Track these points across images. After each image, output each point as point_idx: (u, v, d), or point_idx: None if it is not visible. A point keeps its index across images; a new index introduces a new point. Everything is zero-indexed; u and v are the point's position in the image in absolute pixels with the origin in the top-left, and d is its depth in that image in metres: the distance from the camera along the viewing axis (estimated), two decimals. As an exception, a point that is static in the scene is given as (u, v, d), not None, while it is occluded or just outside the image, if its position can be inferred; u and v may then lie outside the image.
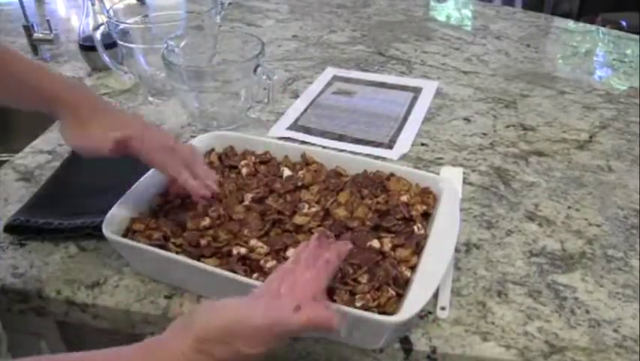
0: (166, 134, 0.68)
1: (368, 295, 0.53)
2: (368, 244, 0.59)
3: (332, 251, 0.51)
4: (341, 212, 0.63)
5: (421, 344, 0.56)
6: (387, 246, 0.59)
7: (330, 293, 0.54)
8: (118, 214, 0.62)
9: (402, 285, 0.55)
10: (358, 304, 0.53)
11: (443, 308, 0.59)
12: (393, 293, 0.54)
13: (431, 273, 0.54)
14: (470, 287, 0.62)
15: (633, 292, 0.62)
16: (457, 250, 0.67)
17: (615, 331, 0.57)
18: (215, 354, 0.44)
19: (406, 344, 0.56)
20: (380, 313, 0.52)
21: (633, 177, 0.80)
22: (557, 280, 0.63)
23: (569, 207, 0.74)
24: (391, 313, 0.51)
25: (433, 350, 0.55)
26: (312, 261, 0.50)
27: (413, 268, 0.56)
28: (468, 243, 0.68)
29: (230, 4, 1.48)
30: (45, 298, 0.62)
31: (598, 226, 0.71)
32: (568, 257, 0.66)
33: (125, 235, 0.62)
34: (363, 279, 0.55)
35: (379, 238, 0.60)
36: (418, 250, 0.58)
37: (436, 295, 0.60)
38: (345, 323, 0.51)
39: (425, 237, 0.59)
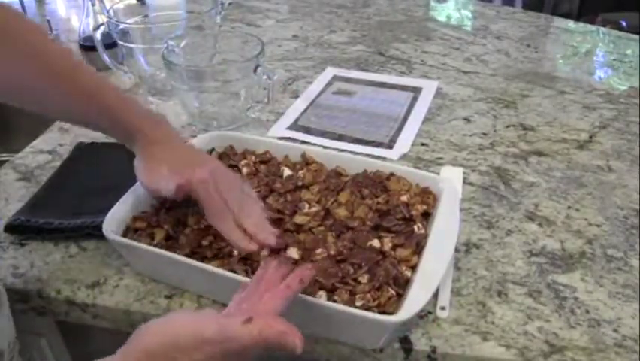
0: (235, 178, 0.64)
1: (368, 295, 0.53)
2: (368, 243, 0.59)
3: (294, 276, 0.50)
4: (341, 212, 0.63)
5: (421, 343, 0.56)
6: (388, 246, 0.59)
7: (331, 292, 0.54)
8: (118, 213, 0.62)
9: (402, 285, 0.55)
10: (358, 303, 0.53)
11: (443, 308, 0.59)
12: (394, 293, 0.54)
13: (431, 273, 0.54)
14: (470, 287, 0.62)
15: (633, 291, 0.62)
16: (457, 250, 0.67)
17: (615, 331, 0.57)
18: None
19: (406, 343, 0.56)
20: (380, 312, 0.52)
21: (633, 177, 0.80)
22: (557, 280, 0.63)
23: (569, 207, 0.74)
24: (391, 313, 0.51)
25: (433, 350, 0.55)
26: (272, 284, 0.49)
27: (413, 268, 0.56)
28: (468, 243, 0.68)
29: (230, 4, 1.48)
30: (45, 298, 0.62)
31: (598, 225, 0.71)
32: (568, 257, 0.66)
33: (125, 234, 0.62)
34: (364, 279, 0.55)
35: (380, 238, 0.60)
36: (419, 249, 0.58)
37: (436, 295, 0.60)
38: (341, 325, 0.51)
39: (425, 236, 0.60)
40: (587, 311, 0.59)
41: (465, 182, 0.79)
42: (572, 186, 0.79)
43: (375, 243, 0.59)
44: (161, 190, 0.60)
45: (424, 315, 0.59)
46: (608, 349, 0.55)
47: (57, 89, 0.60)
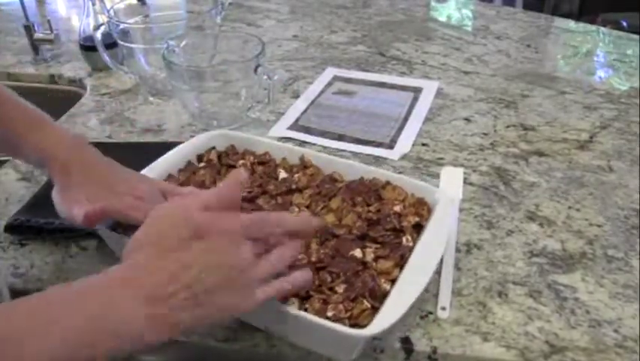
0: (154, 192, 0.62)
1: (341, 306, 0.51)
2: (350, 253, 0.57)
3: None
4: (330, 218, 0.61)
5: (421, 344, 0.56)
6: (370, 256, 0.57)
7: (305, 300, 0.53)
8: None
9: (379, 298, 0.52)
10: (329, 314, 0.51)
11: (444, 308, 0.59)
12: (369, 306, 0.52)
13: (409, 288, 0.52)
14: (471, 287, 0.62)
15: (634, 292, 0.62)
16: (457, 251, 0.67)
17: (615, 331, 0.57)
18: (150, 257, 0.43)
19: (406, 344, 0.56)
20: (352, 325, 0.50)
21: (634, 177, 0.80)
22: (558, 281, 0.63)
23: (570, 208, 0.74)
24: (364, 326, 0.49)
25: (434, 351, 0.55)
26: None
27: (394, 281, 0.54)
28: (468, 243, 0.68)
29: (230, 4, 1.48)
30: (45, 298, 0.62)
31: (598, 226, 0.71)
32: (568, 257, 0.66)
33: (114, 228, 0.61)
34: (340, 289, 0.53)
35: (363, 248, 0.57)
36: (402, 262, 0.56)
37: (436, 296, 0.60)
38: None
39: (411, 249, 0.57)
40: (588, 312, 0.59)
41: (465, 182, 0.79)
42: (572, 187, 0.78)
43: (357, 253, 0.57)
44: (72, 217, 0.57)
45: (425, 315, 0.59)
46: (608, 349, 0.55)
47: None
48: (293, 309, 0.51)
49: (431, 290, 0.61)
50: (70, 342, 0.38)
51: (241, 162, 0.71)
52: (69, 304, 0.40)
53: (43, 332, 0.37)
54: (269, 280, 0.47)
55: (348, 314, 0.51)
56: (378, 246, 0.58)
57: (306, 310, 0.51)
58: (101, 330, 0.39)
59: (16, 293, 0.62)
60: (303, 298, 0.53)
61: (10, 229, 0.69)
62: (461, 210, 0.73)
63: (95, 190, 0.58)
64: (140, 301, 0.41)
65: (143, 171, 0.67)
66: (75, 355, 0.38)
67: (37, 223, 0.68)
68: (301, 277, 0.49)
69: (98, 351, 0.39)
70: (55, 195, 0.59)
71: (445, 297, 0.60)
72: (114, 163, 0.62)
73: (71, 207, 0.57)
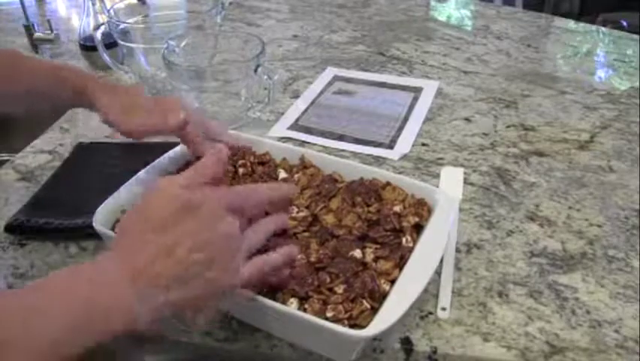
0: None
1: (340, 306, 0.51)
2: (350, 253, 0.56)
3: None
4: (329, 219, 0.61)
5: (421, 344, 0.56)
6: (370, 257, 0.57)
7: (304, 301, 0.53)
8: (109, 206, 0.62)
9: (378, 298, 0.52)
10: (329, 314, 0.51)
11: (444, 309, 0.59)
12: (368, 306, 0.52)
13: (409, 289, 0.52)
14: (471, 288, 0.62)
15: (634, 292, 0.62)
16: (457, 251, 0.67)
17: (616, 331, 0.57)
18: (136, 239, 0.43)
19: (406, 344, 0.56)
20: (352, 325, 0.50)
21: (634, 177, 0.80)
22: (558, 281, 0.63)
23: (570, 208, 0.74)
24: (363, 327, 0.49)
25: (434, 351, 0.55)
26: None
27: (393, 282, 0.54)
28: (469, 243, 0.68)
29: (230, 4, 1.48)
30: (45, 298, 0.62)
31: (599, 226, 0.71)
32: (569, 257, 0.66)
33: (114, 227, 0.61)
34: (339, 289, 0.53)
35: (362, 248, 0.57)
36: (401, 263, 0.56)
37: (436, 296, 0.60)
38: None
39: (410, 250, 0.57)
40: (588, 312, 0.59)
41: (466, 182, 0.79)
42: (572, 187, 0.78)
43: (357, 253, 0.57)
44: (165, 126, 0.65)
45: (425, 316, 0.58)
46: (609, 350, 0.55)
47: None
48: (292, 309, 0.51)
49: (431, 290, 0.61)
50: (65, 326, 0.38)
51: (241, 161, 0.71)
52: (59, 289, 0.40)
53: (34, 320, 0.37)
54: (255, 256, 0.48)
55: (348, 315, 0.51)
56: (378, 246, 0.58)
57: (305, 310, 0.51)
58: (93, 311, 0.39)
59: (16, 293, 0.62)
60: (303, 298, 0.53)
61: (10, 229, 0.69)
62: (461, 210, 0.73)
63: (145, 107, 0.67)
64: (128, 278, 0.40)
65: (143, 171, 0.67)
66: (72, 340, 0.38)
67: (37, 223, 0.68)
68: (288, 249, 0.51)
69: (93, 334, 0.39)
70: (110, 110, 0.67)
71: (445, 297, 0.60)
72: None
73: (138, 117, 0.66)
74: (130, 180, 0.65)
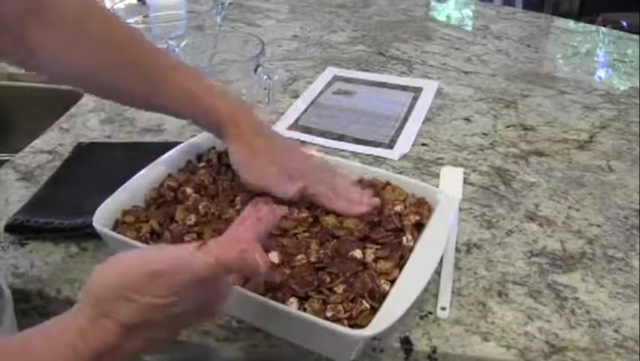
0: (328, 167, 0.65)
1: (340, 306, 0.51)
2: (350, 253, 0.56)
3: (267, 209, 0.48)
4: (330, 220, 0.61)
5: (421, 344, 0.56)
6: (370, 257, 0.56)
7: (304, 300, 0.53)
8: (110, 206, 0.62)
9: (378, 298, 0.52)
10: (328, 314, 0.51)
11: (443, 308, 0.59)
12: (368, 306, 0.52)
13: (408, 289, 0.52)
14: (470, 287, 0.62)
15: (633, 292, 0.62)
16: (457, 250, 0.67)
17: (615, 331, 0.57)
18: (119, 315, 0.39)
19: (406, 344, 0.56)
20: (352, 325, 0.50)
21: (634, 177, 0.80)
22: (558, 280, 0.63)
23: (570, 208, 0.74)
24: (363, 327, 0.49)
25: (434, 350, 0.55)
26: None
27: (393, 282, 0.54)
28: (468, 243, 0.68)
29: (230, 4, 1.47)
30: (46, 298, 0.62)
31: (598, 226, 0.71)
32: (568, 257, 0.66)
33: (115, 227, 0.61)
34: (339, 289, 0.53)
35: (363, 249, 0.57)
36: (402, 263, 0.56)
37: (436, 295, 0.60)
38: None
39: (411, 250, 0.57)
40: (588, 312, 0.59)
41: (465, 182, 0.79)
42: (572, 187, 0.78)
43: (357, 253, 0.56)
44: (276, 192, 0.60)
45: (425, 315, 0.59)
46: (608, 349, 0.55)
47: (138, 80, 0.62)
48: (292, 309, 0.51)
49: (431, 290, 0.61)
50: None
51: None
52: None
53: None
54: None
55: (347, 315, 0.51)
56: (379, 247, 0.58)
57: (305, 310, 0.51)
58: None
59: (16, 293, 0.62)
60: (302, 298, 0.53)
61: (10, 229, 0.69)
62: (461, 210, 0.73)
63: (280, 161, 0.60)
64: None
65: (143, 171, 0.67)
66: None
67: (37, 223, 0.68)
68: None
69: None
70: (239, 164, 0.61)
71: (444, 297, 0.60)
72: (269, 129, 0.66)
73: (266, 178, 0.60)
74: (130, 180, 0.65)
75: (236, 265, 0.41)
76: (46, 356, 0.39)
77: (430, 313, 0.59)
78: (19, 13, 0.57)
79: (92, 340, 0.39)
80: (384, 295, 0.53)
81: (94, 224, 0.59)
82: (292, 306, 0.52)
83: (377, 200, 0.62)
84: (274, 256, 0.56)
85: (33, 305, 0.63)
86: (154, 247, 0.43)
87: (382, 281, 0.54)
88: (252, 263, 0.41)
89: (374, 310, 0.51)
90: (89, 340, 0.39)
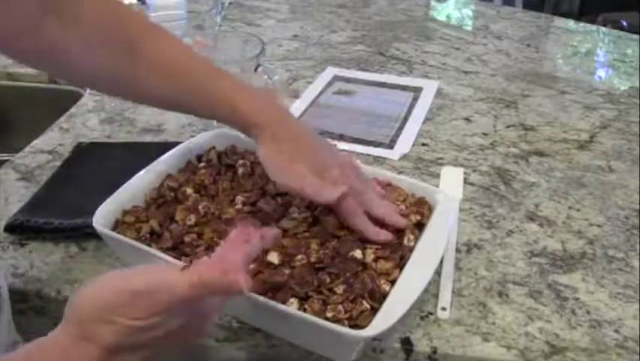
0: (355, 167, 0.63)
1: (340, 306, 0.51)
2: (350, 254, 0.56)
3: (255, 232, 0.46)
4: (330, 220, 0.61)
5: (421, 344, 0.56)
6: (370, 257, 0.56)
7: (304, 301, 0.53)
8: (110, 207, 0.62)
9: (378, 299, 0.52)
10: (329, 314, 0.51)
11: (444, 309, 0.59)
12: (368, 307, 0.52)
13: (409, 289, 0.52)
14: (471, 288, 0.62)
15: (634, 292, 0.62)
16: (457, 251, 0.67)
17: (616, 331, 0.57)
18: (101, 338, 0.38)
19: (406, 344, 0.56)
20: (352, 326, 0.50)
21: (634, 177, 0.80)
22: (558, 281, 0.63)
23: (570, 208, 0.74)
24: (364, 327, 0.49)
25: (434, 351, 0.55)
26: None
27: (393, 283, 0.54)
28: (469, 243, 0.68)
29: (230, 3, 1.47)
30: (45, 298, 0.62)
31: (599, 226, 0.71)
32: (569, 257, 0.66)
33: (115, 228, 0.61)
34: (339, 289, 0.53)
35: (363, 249, 0.57)
36: (402, 263, 0.56)
37: (436, 296, 0.60)
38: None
39: (411, 250, 0.57)
40: (588, 312, 0.59)
41: (465, 182, 0.79)
42: (572, 187, 0.78)
43: (357, 253, 0.56)
44: (316, 197, 0.57)
45: (425, 316, 0.58)
46: (609, 350, 0.55)
47: (167, 84, 0.60)
48: (293, 309, 0.51)
49: (431, 290, 0.61)
50: None
51: (240, 161, 0.71)
52: None
53: None
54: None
55: (348, 315, 0.51)
56: (379, 247, 0.58)
57: (305, 310, 0.51)
58: None
59: (15, 293, 0.62)
60: (302, 298, 0.52)
61: (10, 229, 0.69)
62: (461, 210, 0.73)
63: (310, 162, 0.58)
64: None
65: (143, 172, 0.67)
66: None
67: (37, 223, 0.68)
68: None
69: None
70: (270, 166, 0.59)
71: (445, 297, 0.60)
72: (312, 131, 0.63)
73: (299, 180, 0.57)
74: (130, 180, 0.65)
75: (218, 285, 0.40)
76: None
77: (431, 313, 0.59)
78: (32, 11, 0.54)
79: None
80: (384, 296, 0.52)
81: (94, 224, 0.59)
82: (292, 306, 0.51)
83: (404, 223, 0.60)
84: (274, 257, 0.56)
85: (32, 305, 0.63)
86: (141, 267, 0.42)
87: (382, 281, 0.54)
88: (235, 286, 0.40)
89: (374, 310, 0.51)
90: None
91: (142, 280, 0.39)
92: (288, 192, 0.61)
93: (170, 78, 0.61)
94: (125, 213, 0.63)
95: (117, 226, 0.62)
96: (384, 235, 0.58)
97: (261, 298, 0.51)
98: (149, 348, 0.41)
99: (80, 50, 0.58)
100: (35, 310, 0.63)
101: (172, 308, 0.39)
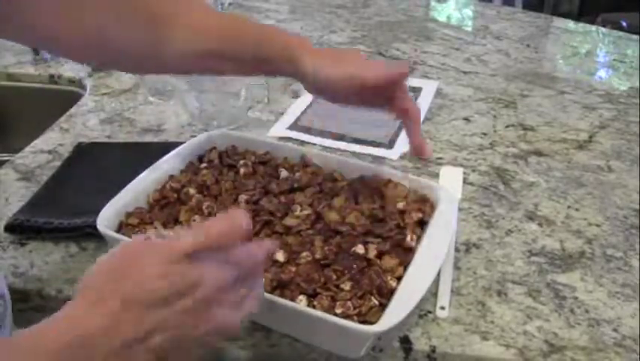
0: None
1: (349, 303, 0.52)
2: (352, 249, 0.57)
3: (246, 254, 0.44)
4: (333, 216, 0.62)
5: (420, 343, 0.56)
6: (373, 253, 0.57)
7: (312, 298, 0.53)
8: (113, 209, 0.62)
9: (386, 295, 0.53)
10: (338, 311, 0.51)
11: (443, 308, 0.59)
12: (376, 303, 0.52)
13: (415, 285, 0.53)
14: (470, 287, 0.62)
15: (633, 291, 0.62)
16: (456, 250, 0.67)
17: (614, 330, 0.57)
18: (115, 293, 0.38)
19: (405, 343, 0.56)
20: (361, 322, 0.50)
21: (633, 177, 0.80)
22: (557, 280, 0.63)
23: (569, 207, 0.75)
24: (373, 323, 0.50)
25: (433, 350, 0.55)
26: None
27: (399, 279, 0.55)
28: (468, 242, 0.68)
29: (230, 4, 1.48)
30: (45, 298, 0.62)
31: (597, 225, 0.71)
32: (567, 257, 0.66)
33: (119, 230, 0.61)
34: (346, 286, 0.54)
35: (365, 244, 0.58)
36: (406, 260, 0.56)
37: (435, 295, 0.60)
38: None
39: (414, 247, 0.58)
40: (587, 311, 0.59)
41: (465, 182, 0.79)
42: (571, 186, 0.79)
43: (360, 249, 0.57)
44: (372, 74, 0.61)
45: (424, 315, 0.59)
46: (607, 348, 0.55)
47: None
48: (303, 306, 0.51)
49: (430, 289, 0.61)
50: None
51: (242, 161, 0.71)
52: None
53: None
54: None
55: (357, 311, 0.52)
56: (380, 240, 0.58)
57: (314, 307, 0.52)
58: None
59: (16, 293, 0.62)
60: (311, 295, 0.53)
61: (10, 228, 0.69)
62: (460, 209, 0.73)
63: (354, 62, 0.63)
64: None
65: (145, 173, 0.67)
66: None
67: (37, 223, 0.68)
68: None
69: None
70: (325, 68, 0.61)
71: (444, 296, 0.60)
72: None
73: (361, 68, 0.62)
74: (133, 182, 0.65)
75: (217, 225, 0.41)
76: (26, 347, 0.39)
77: (430, 312, 0.59)
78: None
79: (82, 325, 0.39)
80: (391, 292, 0.53)
81: (98, 226, 0.59)
82: (301, 303, 0.52)
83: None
84: (280, 255, 0.57)
85: (32, 305, 0.63)
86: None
87: (389, 278, 0.55)
88: (236, 217, 0.41)
89: (382, 306, 0.52)
90: (76, 325, 0.39)
91: (150, 242, 0.40)
92: (345, 83, 0.62)
93: (210, 32, 0.62)
94: (129, 215, 0.63)
95: (121, 228, 0.62)
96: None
97: (270, 296, 0.51)
98: (173, 322, 0.38)
99: (118, 29, 0.58)
100: (36, 309, 0.63)
101: (188, 261, 0.39)
